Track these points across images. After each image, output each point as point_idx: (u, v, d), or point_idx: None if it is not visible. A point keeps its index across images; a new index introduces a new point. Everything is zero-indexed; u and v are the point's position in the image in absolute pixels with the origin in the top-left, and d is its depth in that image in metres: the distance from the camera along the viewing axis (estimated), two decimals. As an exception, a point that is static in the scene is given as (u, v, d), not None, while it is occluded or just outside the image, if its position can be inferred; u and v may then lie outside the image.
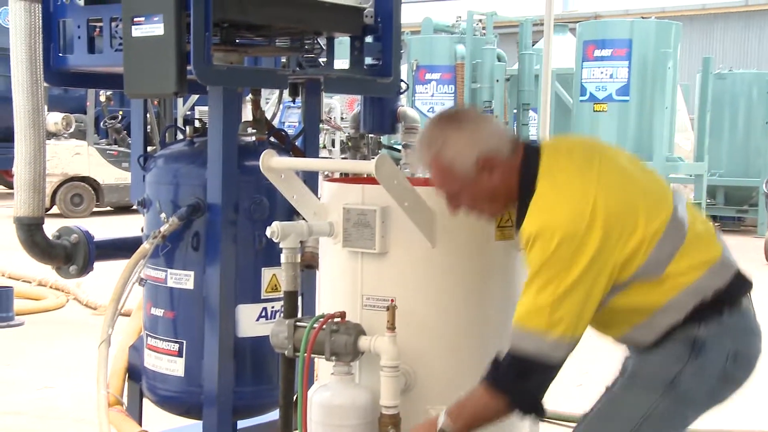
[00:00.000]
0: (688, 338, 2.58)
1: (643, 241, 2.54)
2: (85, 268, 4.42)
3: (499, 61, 16.78)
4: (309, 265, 3.56)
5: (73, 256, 4.38)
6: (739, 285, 2.66)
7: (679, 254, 2.57)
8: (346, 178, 3.61)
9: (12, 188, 4.10)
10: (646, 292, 2.59)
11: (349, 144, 9.94)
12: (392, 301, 2.93)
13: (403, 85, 4.83)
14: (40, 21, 4.01)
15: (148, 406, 4.53)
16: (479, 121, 2.70)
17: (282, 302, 3.21)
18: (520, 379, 2.55)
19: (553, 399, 2.71)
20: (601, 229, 2.49)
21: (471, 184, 2.66)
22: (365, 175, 3.20)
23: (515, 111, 17.27)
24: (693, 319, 2.58)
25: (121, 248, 4.54)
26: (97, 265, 4.48)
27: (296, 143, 4.49)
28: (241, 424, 4.75)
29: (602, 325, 2.71)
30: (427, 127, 2.75)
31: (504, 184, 2.66)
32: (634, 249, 2.54)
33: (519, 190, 2.65)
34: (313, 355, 2.98)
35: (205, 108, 4.17)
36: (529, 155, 2.65)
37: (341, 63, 4.30)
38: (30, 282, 10.12)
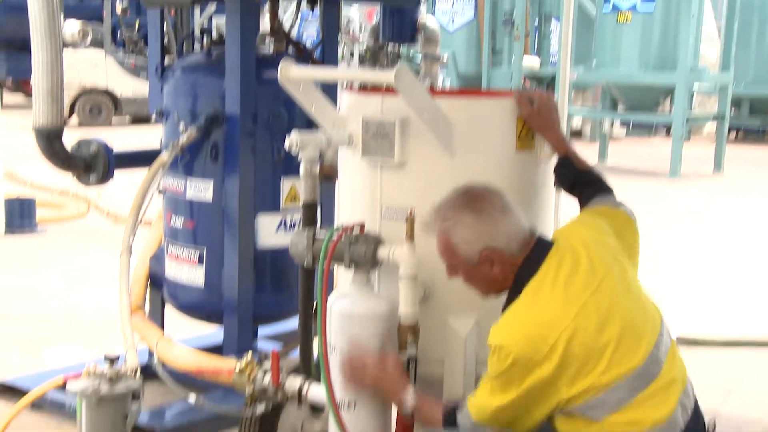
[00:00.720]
0: None
1: (591, 388, 2.48)
2: (105, 177, 4.43)
3: (520, -31, 16.45)
4: (328, 176, 3.56)
5: (93, 164, 4.40)
6: None
7: (627, 407, 2.49)
8: (365, 89, 3.58)
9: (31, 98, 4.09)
10: (583, 425, 2.53)
11: (368, 55, 9.83)
12: (411, 211, 2.94)
13: (423, -6, 4.74)
14: (55, -74, 3.94)
15: (170, 313, 4.61)
16: (497, 214, 2.64)
17: (301, 213, 3.22)
18: None
19: None
20: (556, 364, 2.47)
21: (470, 267, 2.66)
22: (384, 86, 3.17)
23: (537, 21, 16.99)
24: None
25: (141, 159, 4.55)
26: (116, 175, 4.50)
27: (314, 55, 4.45)
28: (262, 331, 4.83)
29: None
30: (446, 198, 2.70)
31: (502, 277, 2.65)
32: (582, 391, 2.49)
33: (511, 287, 2.66)
34: (332, 265, 3.00)
35: (223, 19, 4.12)
36: (534, 256, 2.62)
37: (360, -28, 4.22)
38: (51, 192, 10.21)
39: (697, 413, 2.63)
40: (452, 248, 2.66)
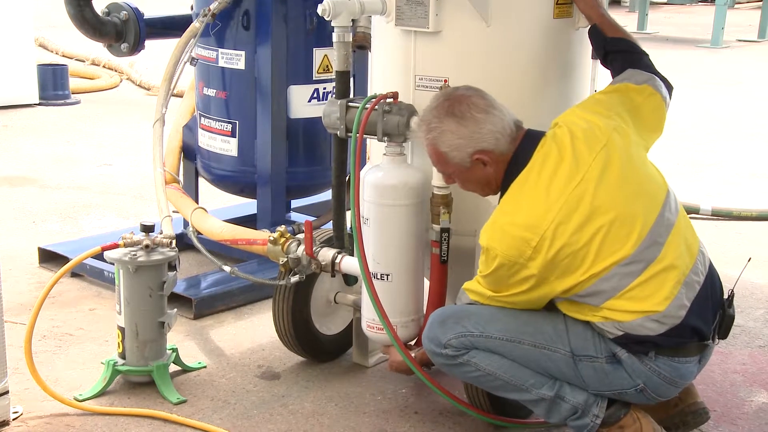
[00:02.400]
0: (610, 350, 2.56)
1: (582, 280, 2.49)
2: (137, 46, 4.39)
3: None
4: (361, 45, 3.49)
5: (124, 33, 4.35)
6: (682, 336, 2.52)
7: (623, 293, 2.49)
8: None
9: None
10: (581, 309, 2.56)
11: None
12: (445, 81, 2.88)
13: None
14: None
15: (204, 184, 4.63)
16: (482, 115, 2.60)
17: (334, 83, 3.18)
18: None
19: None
20: (541, 263, 2.48)
21: (464, 171, 2.66)
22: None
23: None
24: (618, 343, 2.55)
25: (172, 27, 4.49)
26: (148, 44, 4.46)
27: None
28: (295, 203, 4.86)
29: None
30: (429, 106, 2.67)
31: (496, 174, 2.65)
32: (574, 284, 2.50)
33: (502, 184, 2.64)
34: (365, 136, 2.98)
35: None
36: (523, 150, 2.60)
37: None
38: (83, 61, 10.18)
39: (710, 286, 2.60)
40: (443, 157, 2.66)
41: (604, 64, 2.97)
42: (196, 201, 4.48)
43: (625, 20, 14.80)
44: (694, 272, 2.57)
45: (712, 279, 2.63)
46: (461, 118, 2.60)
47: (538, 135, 2.63)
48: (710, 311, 2.58)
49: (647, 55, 2.91)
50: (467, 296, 2.74)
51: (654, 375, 2.53)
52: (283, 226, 3.39)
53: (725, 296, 2.66)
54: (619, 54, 2.89)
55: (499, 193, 2.69)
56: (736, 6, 18.59)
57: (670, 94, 2.87)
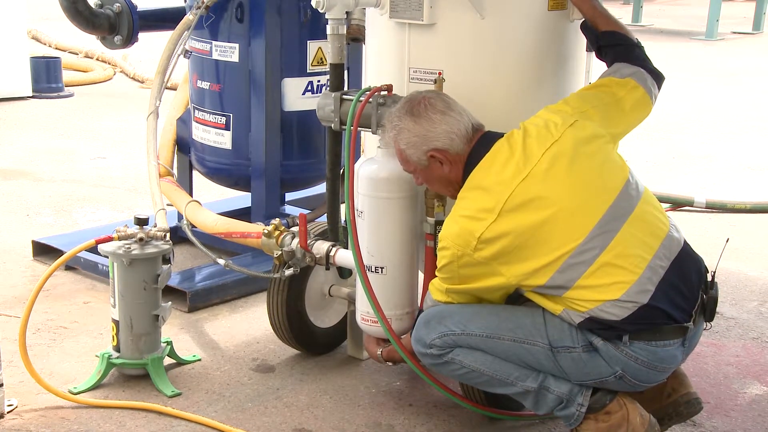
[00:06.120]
0: (586, 339, 2.58)
1: (533, 272, 2.53)
2: (130, 39, 4.38)
3: None
4: (355, 38, 3.48)
5: (117, 25, 4.34)
6: (650, 319, 2.51)
7: (578, 284, 2.51)
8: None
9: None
10: (545, 302, 2.60)
11: None
12: (440, 73, 2.88)
13: None
14: None
15: (198, 177, 4.63)
16: (437, 116, 2.68)
17: (328, 76, 3.17)
18: None
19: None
20: (489, 253, 2.53)
21: (424, 169, 2.74)
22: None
23: None
24: (590, 330, 2.57)
25: (165, 19, 4.48)
26: (141, 37, 4.45)
27: None
28: (289, 196, 4.86)
29: None
30: (395, 108, 2.77)
31: (455, 174, 2.71)
32: (525, 275, 2.54)
33: (461, 181, 2.69)
34: (359, 129, 2.98)
35: None
36: (477, 150, 2.66)
37: None
38: (77, 53, 10.16)
39: (679, 268, 2.59)
40: (403, 155, 2.74)
41: (599, 57, 2.97)
42: (190, 194, 4.47)
43: (620, 12, 14.80)
44: (658, 257, 2.58)
45: (682, 263, 2.62)
46: (418, 117, 2.69)
47: (495, 135, 2.70)
48: (681, 294, 2.57)
49: (641, 46, 2.91)
50: (429, 295, 2.81)
51: (631, 360, 2.54)
52: (277, 219, 3.39)
53: (708, 279, 2.67)
54: (612, 48, 2.90)
55: None
56: (731, -2, 18.58)
57: (660, 85, 2.88)
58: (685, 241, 2.67)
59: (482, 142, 2.68)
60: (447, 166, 2.69)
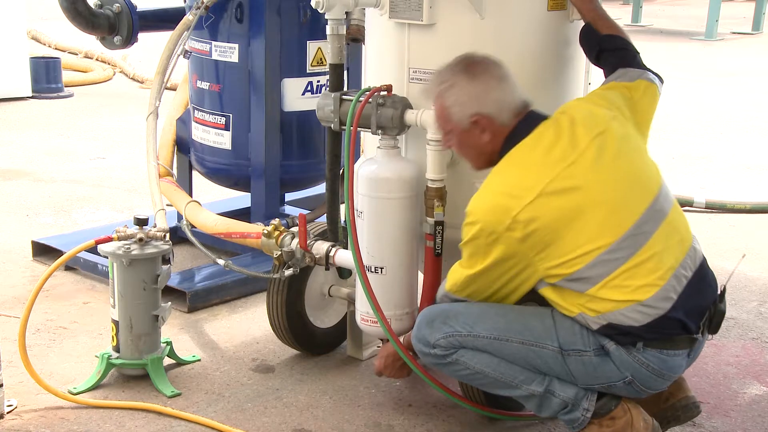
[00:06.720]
0: (598, 342, 2.55)
1: (566, 263, 2.48)
2: (130, 39, 4.38)
3: None
4: (355, 38, 3.48)
5: (117, 26, 4.34)
6: (667, 328, 2.50)
7: (609, 281, 2.47)
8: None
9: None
10: (564, 296, 2.54)
11: None
12: (439, 74, 2.88)
13: None
14: None
15: (198, 177, 4.63)
16: (493, 81, 2.62)
17: (328, 76, 3.17)
18: None
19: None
20: (521, 234, 2.46)
21: (462, 132, 2.66)
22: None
23: None
24: (604, 335, 2.52)
25: (165, 19, 4.48)
26: (141, 37, 4.45)
27: None
28: (289, 196, 4.86)
29: None
30: (447, 64, 2.70)
31: (490, 146, 2.64)
32: (558, 264, 2.48)
33: (498, 156, 2.62)
34: (359, 129, 2.98)
35: None
36: (523, 126, 2.60)
37: None
38: (76, 54, 10.16)
39: (699, 281, 2.59)
40: (446, 111, 2.66)
41: (596, 62, 2.95)
42: (190, 194, 4.47)
43: (619, 13, 14.82)
44: (683, 266, 2.56)
45: (702, 275, 2.61)
46: (474, 77, 2.63)
47: (540, 116, 2.64)
48: (698, 308, 2.56)
49: (639, 54, 2.90)
50: (442, 285, 2.75)
51: (642, 367, 2.53)
52: (277, 219, 3.39)
53: (718, 292, 2.65)
54: (613, 52, 2.89)
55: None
56: (730, -2, 18.58)
57: (660, 89, 2.87)
58: (703, 254, 2.66)
59: (528, 119, 2.62)
60: (488, 135, 2.62)
